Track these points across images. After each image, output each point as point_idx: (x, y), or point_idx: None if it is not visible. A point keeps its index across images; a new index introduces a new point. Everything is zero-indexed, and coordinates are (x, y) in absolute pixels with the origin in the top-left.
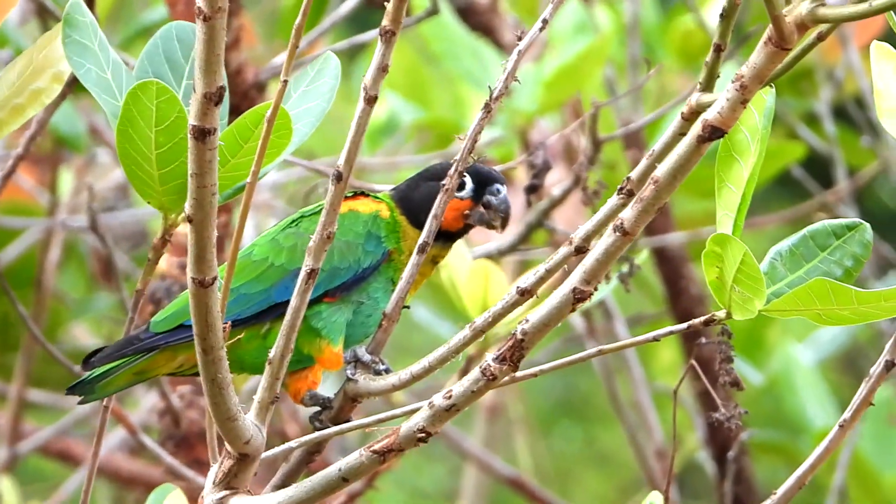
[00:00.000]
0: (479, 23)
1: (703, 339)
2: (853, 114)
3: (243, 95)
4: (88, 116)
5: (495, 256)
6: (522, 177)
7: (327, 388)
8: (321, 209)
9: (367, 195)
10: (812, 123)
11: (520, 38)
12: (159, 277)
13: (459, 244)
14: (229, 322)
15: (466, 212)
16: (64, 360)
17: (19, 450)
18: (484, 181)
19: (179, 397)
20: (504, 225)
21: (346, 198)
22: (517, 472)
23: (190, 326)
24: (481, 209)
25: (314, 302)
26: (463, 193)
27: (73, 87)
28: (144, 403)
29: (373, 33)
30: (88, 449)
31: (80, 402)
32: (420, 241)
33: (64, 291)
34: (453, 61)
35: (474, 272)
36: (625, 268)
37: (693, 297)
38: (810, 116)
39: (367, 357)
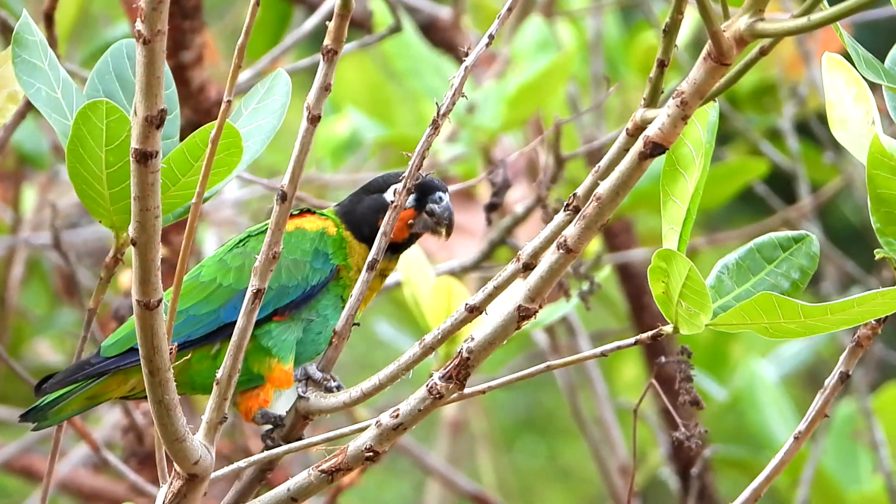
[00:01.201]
0: (442, 39)
1: (664, 358)
2: (816, 130)
3: (206, 113)
4: (51, 134)
5: (458, 273)
6: (485, 194)
7: (280, 406)
8: (264, 229)
9: (313, 213)
10: (775, 140)
11: (467, 55)
12: (122, 294)
13: (422, 262)
14: (176, 344)
15: (410, 221)
16: (26, 376)
17: None
18: (426, 189)
19: (143, 414)
20: (448, 231)
21: (293, 216)
22: (480, 488)
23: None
24: (425, 217)
25: (264, 321)
26: (406, 203)
27: (31, 106)
28: (108, 420)
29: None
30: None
31: (35, 429)
32: (369, 258)
33: (27, 308)
34: (416, 78)
35: (437, 289)
36: (585, 286)
37: (656, 313)
38: (773, 133)
39: (318, 375)
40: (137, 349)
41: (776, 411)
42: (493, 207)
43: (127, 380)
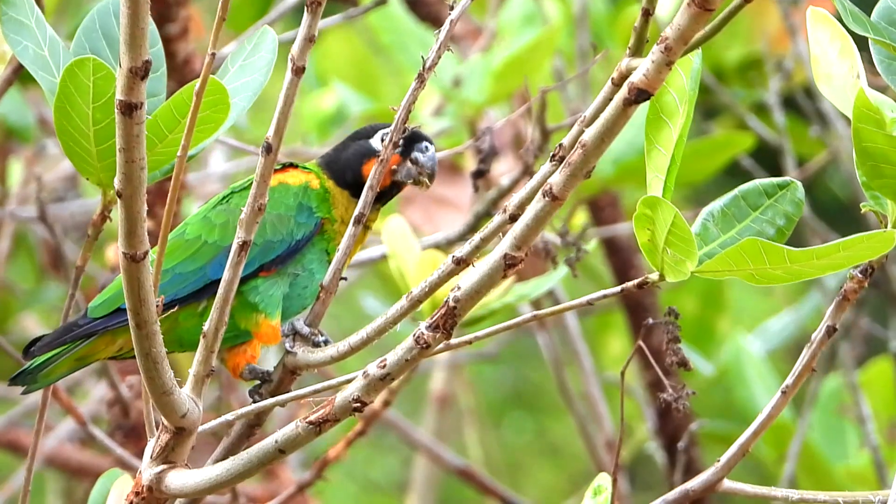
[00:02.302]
0: (428, 14)
1: (651, 320)
2: (802, 104)
3: None
4: (37, 107)
5: (443, 246)
6: (471, 164)
7: (268, 362)
8: (251, 184)
9: (297, 166)
10: (761, 114)
11: (452, 8)
12: (109, 269)
13: (408, 235)
14: (162, 297)
15: (394, 167)
16: (12, 350)
17: None
18: (412, 138)
19: (128, 387)
20: (430, 180)
21: (276, 170)
22: (467, 463)
23: (126, 309)
24: (409, 165)
25: (250, 277)
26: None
27: (19, 73)
28: (94, 394)
29: (323, 22)
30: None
31: (24, 392)
32: (356, 212)
33: (13, 282)
34: (402, 52)
35: (423, 262)
36: (572, 253)
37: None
38: (759, 107)
39: (305, 329)
40: (125, 309)
41: (763, 386)
42: (479, 174)
43: (115, 340)
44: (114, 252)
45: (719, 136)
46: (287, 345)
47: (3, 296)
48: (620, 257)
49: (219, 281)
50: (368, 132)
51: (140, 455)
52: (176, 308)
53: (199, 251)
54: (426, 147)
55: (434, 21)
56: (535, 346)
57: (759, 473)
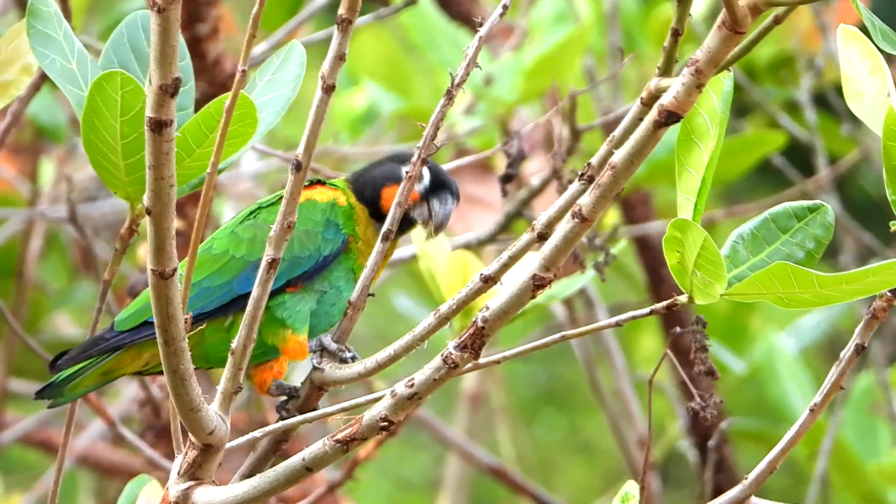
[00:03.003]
0: (459, 12)
1: (678, 329)
2: (833, 102)
3: (221, 86)
4: (68, 107)
5: (474, 246)
6: (502, 166)
7: (295, 377)
8: (278, 199)
9: (324, 183)
10: (793, 112)
11: (481, 25)
12: (139, 269)
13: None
14: (191, 314)
15: (411, 202)
16: (42, 352)
17: (1, 440)
18: (439, 185)
19: (159, 388)
20: (436, 233)
21: (303, 187)
22: (499, 461)
23: (153, 323)
24: (424, 208)
25: (277, 292)
26: (418, 186)
27: (46, 78)
28: (126, 394)
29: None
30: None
31: (50, 406)
32: (384, 228)
33: (45, 282)
34: (433, 51)
35: (453, 262)
36: (601, 257)
37: (674, 285)
38: (791, 105)
39: (332, 346)
40: (151, 322)
41: (795, 384)
42: (508, 179)
43: (141, 354)
44: (145, 251)
45: (751, 134)
46: (314, 361)
47: (35, 295)
48: (651, 255)
49: (245, 296)
50: (403, 158)
51: (171, 455)
52: (204, 324)
53: (226, 266)
54: (447, 200)
55: (465, 20)
56: (566, 344)
57: (791, 472)
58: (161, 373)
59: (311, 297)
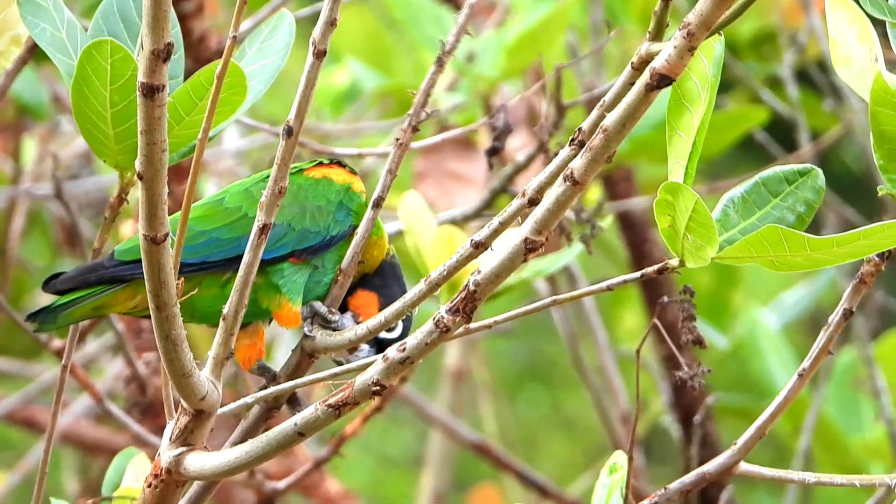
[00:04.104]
0: None
1: (665, 298)
2: (816, 78)
3: (207, 62)
4: (51, 84)
5: (459, 222)
6: (485, 142)
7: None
8: (297, 170)
9: (344, 166)
10: (775, 87)
11: None
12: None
13: (423, 210)
14: (182, 278)
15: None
16: (27, 327)
17: None
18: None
19: (145, 364)
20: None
21: (321, 164)
22: (482, 438)
23: None
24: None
25: (280, 259)
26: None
27: (33, 52)
28: (110, 371)
29: None
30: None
31: (36, 331)
32: (375, 194)
33: (28, 259)
34: (415, 28)
35: (438, 238)
36: (587, 230)
37: (657, 260)
38: (773, 81)
39: (322, 308)
40: None
41: (778, 359)
42: (494, 152)
43: (135, 295)
44: (130, 229)
45: (733, 110)
46: (306, 329)
47: (18, 273)
48: (634, 231)
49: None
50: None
51: (157, 432)
52: (195, 290)
53: (238, 222)
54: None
55: None
56: (549, 320)
57: (775, 447)
58: (145, 316)
59: (306, 270)
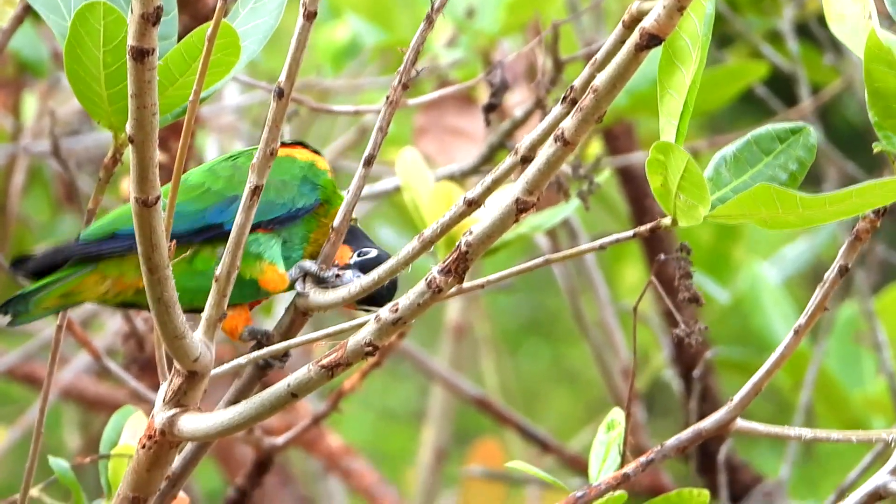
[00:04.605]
0: None
1: (663, 256)
2: (816, 32)
3: (205, 19)
4: (51, 41)
5: (457, 178)
6: (484, 97)
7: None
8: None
9: (308, 147)
10: (775, 42)
11: None
12: (122, 201)
13: (421, 166)
14: (174, 241)
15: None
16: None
17: None
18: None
19: (143, 321)
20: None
21: (285, 144)
22: (484, 392)
23: (123, 236)
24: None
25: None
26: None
27: (29, 11)
28: (110, 327)
29: None
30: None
31: (10, 325)
32: (367, 152)
33: (29, 216)
34: None
35: (436, 194)
36: (585, 186)
37: (657, 215)
38: (773, 35)
39: (313, 267)
40: (120, 235)
41: (779, 313)
42: (491, 108)
43: (104, 279)
44: (128, 183)
45: (733, 64)
46: (298, 287)
47: (19, 229)
48: (635, 186)
49: (214, 226)
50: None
51: (155, 388)
52: (188, 252)
53: (201, 196)
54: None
55: None
56: (550, 274)
57: (776, 402)
58: (119, 305)
59: (278, 241)
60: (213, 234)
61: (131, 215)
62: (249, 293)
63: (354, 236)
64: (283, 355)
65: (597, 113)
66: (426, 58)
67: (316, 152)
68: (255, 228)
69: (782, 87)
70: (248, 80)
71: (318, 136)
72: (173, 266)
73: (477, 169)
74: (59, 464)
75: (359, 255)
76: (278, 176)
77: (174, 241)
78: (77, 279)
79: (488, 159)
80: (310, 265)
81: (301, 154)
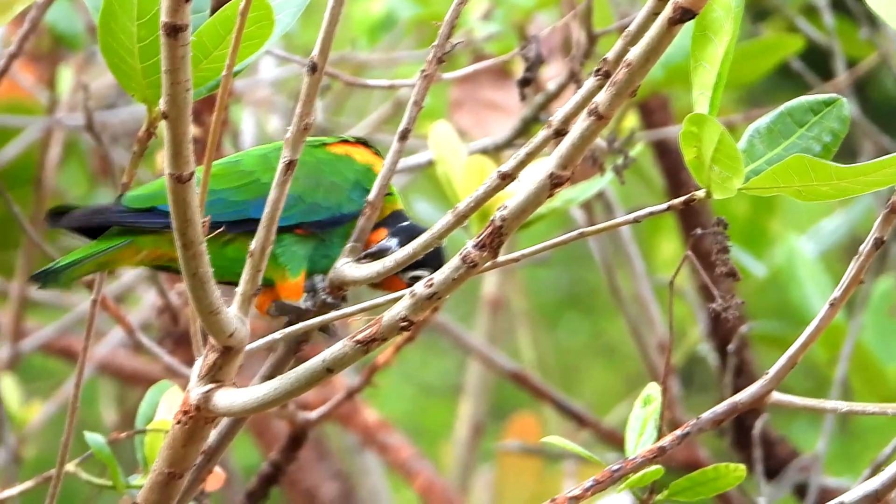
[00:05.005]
0: None
1: (700, 230)
2: (852, 5)
3: None
4: (86, 14)
5: (491, 151)
6: (519, 71)
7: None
8: (320, 144)
9: (369, 147)
10: (811, 16)
11: None
12: (156, 175)
13: (455, 140)
14: (209, 216)
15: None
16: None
17: (21, 348)
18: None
19: (178, 295)
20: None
21: (347, 142)
22: (520, 367)
23: (164, 213)
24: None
25: (283, 230)
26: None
27: None
28: (145, 301)
29: None
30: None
31: (40, 288)
32: (401, 127)
33: (64, 189)
34: None
35: (470, 167)
36: (619, 160)
37: (693, 188)
38: (809, 8)
39: (320, 284)
40: (161, 211)
41: (815, 287)
42: (526, 83)
43: (139, 251)
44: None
45: (769, 38)
46: (307, 304)
47: (55, 203)
48: (670, 159)
49: (254, 221)
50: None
51: (190, 362)
52: (223, 228)
53: (249, 186)
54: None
55: None
56: (588, 248)
57: (813, 376)
58: (156, 266)
59: (312, 243)
60: (252, 229)
61: None
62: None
63: (395, 221)
64: (327, 328)
65: (630, 87)
66: (461, 31)
67: (377, 153)
68: (294, 228)
69: (818, 61)
70: (282, 53)
71: (354, 110)
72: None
73: (511, 142)
74: (95, 439)
75: (393, 235)
76: (331, 177)
77: (209, 217)
78: (113, 252)
79: (522, 133)
80: (319, 283)
81: (361, 155)
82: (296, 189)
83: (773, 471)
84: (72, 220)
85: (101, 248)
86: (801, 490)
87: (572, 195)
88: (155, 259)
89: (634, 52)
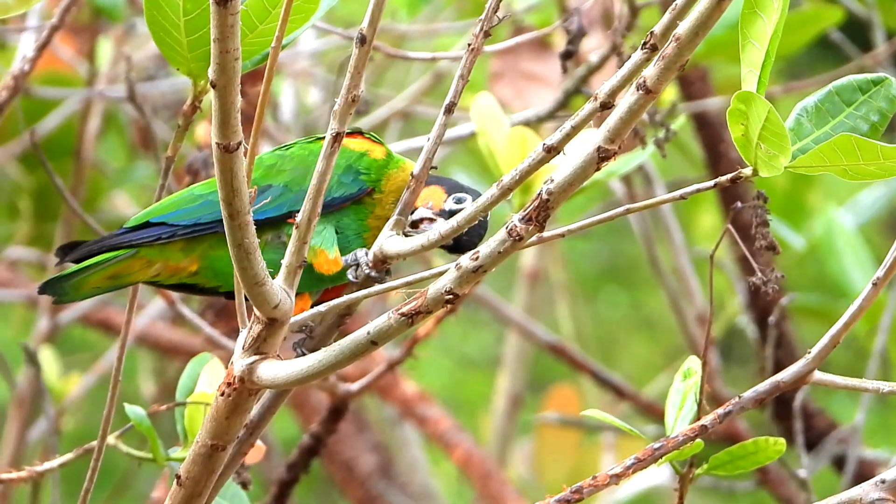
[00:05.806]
0: None
1: (739, 204)
2: None
3: None
4: None
5: (533, 123)
6: (560, 43)
7: None
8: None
9: (367, 136)
10: None
11: None
12: (197, 147)
13: (497, 112)
14: (255, 187)
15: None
16: (101, 231)
17: (60, 320)
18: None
19: None
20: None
21: (347, 133)
22: (559, 339)
23: (157, 224)
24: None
25: (280, 221)
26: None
27: None
28: None
29: None
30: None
31: (55, 303)
32: (448, 99)
33: (104, 161)
34: None
35: (512, 139)
36: (661, 133)
37: (733, 161)
38: None
39: (364, 258)
40: (154, 224)
41: (854, 259)
42: (568, 55)
43: (152, 263)
44: (204, 130)
45: (808, 9)
46: (350, 275)
47: (94, 175)
48: (710, 131)
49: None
50: (456, 188)
51: (230, 334)
52: (268, 198)
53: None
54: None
55: None
56: (627, 221)
57: (852, 348)
58: (170, 286)
59: (331, 223)
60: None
61: (165, 207)
62: (310, 279)
63: (447, 183)
64: (386, 271)
65: (679, 61)
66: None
67: (375, 139)
68: (285, 217)
69: (857, 33)
70: (324, 25)
71: (394, 82)
72: (217, 246)
73: (552, 114)
74: (135, 411)
75: (456, 202)
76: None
77: (255, 188)
78: (118, 263)
79: (563, 105)
80: (363, 257)
81: (356, 143)
82: (281, 180)
83: (812, 443)
84: (80, 253)
85: (104, 259)
86: (839, 462)
87: (614, 168)
88: (173, 273)
89: (684, 27)
